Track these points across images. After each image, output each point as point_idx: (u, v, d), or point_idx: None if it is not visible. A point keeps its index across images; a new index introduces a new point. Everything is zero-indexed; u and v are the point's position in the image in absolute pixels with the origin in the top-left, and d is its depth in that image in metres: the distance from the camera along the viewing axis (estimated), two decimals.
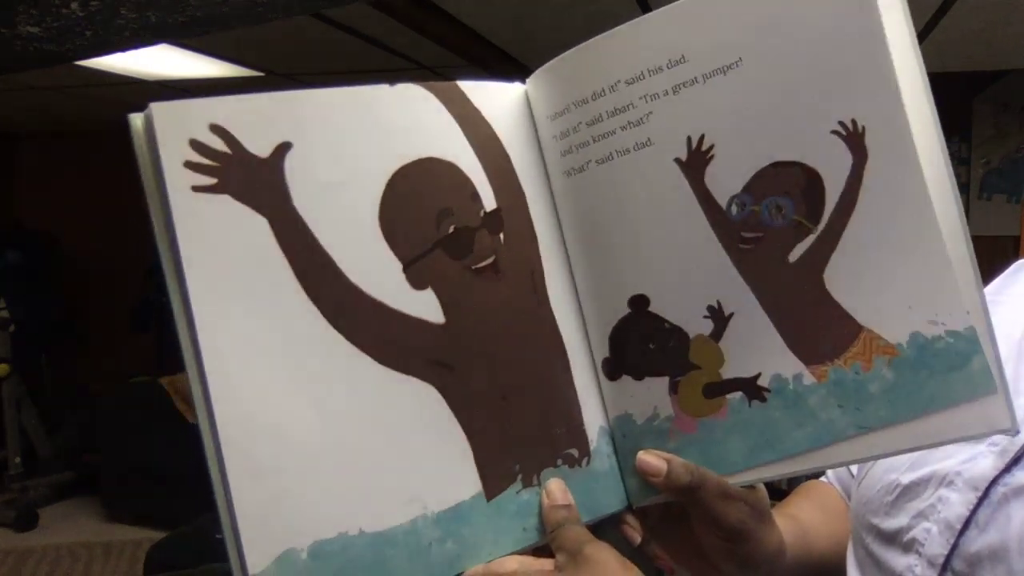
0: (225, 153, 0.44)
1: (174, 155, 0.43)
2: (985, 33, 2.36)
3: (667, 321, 0.52)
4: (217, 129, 0.44)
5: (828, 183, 0.48)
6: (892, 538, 0.56)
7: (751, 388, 0.51)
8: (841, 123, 0.47)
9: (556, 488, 0.51)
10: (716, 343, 0.52)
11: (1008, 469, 0.51)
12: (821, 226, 0.49)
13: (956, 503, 0.52)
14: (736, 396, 0.52)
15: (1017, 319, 0.58)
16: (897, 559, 0.55)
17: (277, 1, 0.65)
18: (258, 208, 0.45)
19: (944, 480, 0.54)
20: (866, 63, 0.46)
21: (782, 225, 0.49)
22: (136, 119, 0.46)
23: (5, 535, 3.82)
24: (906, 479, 0.57)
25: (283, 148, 0.46)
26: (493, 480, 0.50)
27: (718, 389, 0.52)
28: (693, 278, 0.51)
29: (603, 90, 0.51)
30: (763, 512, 0.56)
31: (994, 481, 0.51)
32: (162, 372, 4.52)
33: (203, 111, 0.44)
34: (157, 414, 4.10)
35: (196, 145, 0.44)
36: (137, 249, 5.18)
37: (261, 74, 3.31)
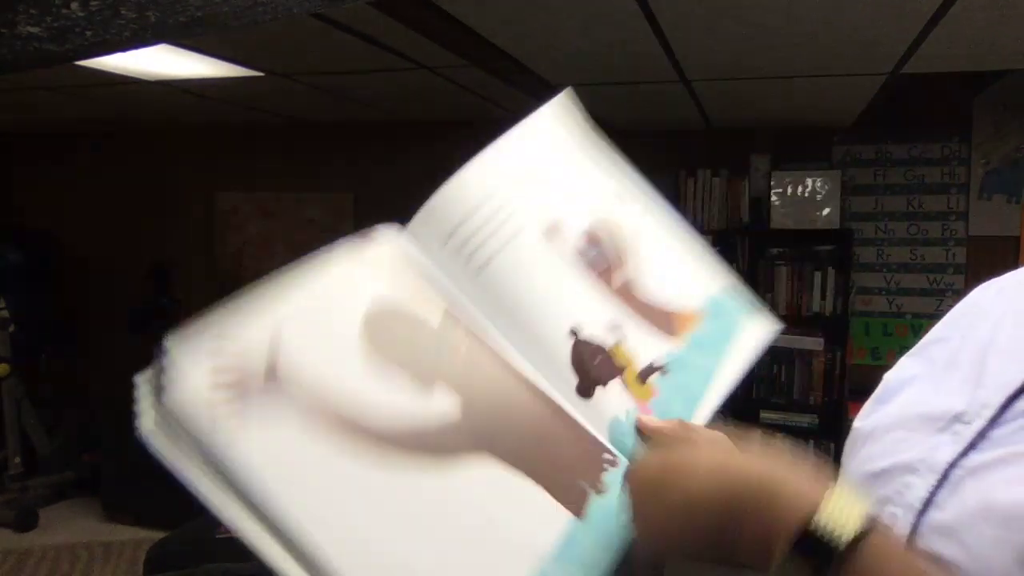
0: (241, 380, 0.52)
1: (200, 386, 0.51)
2: (985, 33, 2.37)
3: (591, 343, 0.70)
4: (226, 369, 0.52)
5: (626, 227, 0.75)
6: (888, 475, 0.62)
7: (657, 369, 0.72)
8: (618, 192, 0.76)
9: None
10: (623, 347, 0.71)
11: (965, 453, 0.57)
12: (630, 254, 0.75)
13: (918, 486, 0.58)
14: (656, 377, 0.72)
15: (982, 327, 0.66)
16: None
17: (277, 1, 0.65)
18: (285, 412, 0.53)
19: (909, 467, 0.60)
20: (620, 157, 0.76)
21: (614, 257, 0.74)
22: (147, 377, 0.54)
23: (5, 535, 3.82)
24: (876, 468, 0.63)
25: (275, 349, 0.54)
26: (572, 503, 0.60)
27: (643, 376, 0.72)
28: (591, 307, 0.71)
29: (475, 207, 0.68)
30: None
31: (952, 464, 0.57)
32: None
33: (208, 356, 0.52)
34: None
35: (214, 372, 0.51)
36: (137, 249, 5.20)
37: (261, 74, 3.31)
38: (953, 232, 3.87)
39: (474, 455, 0.58)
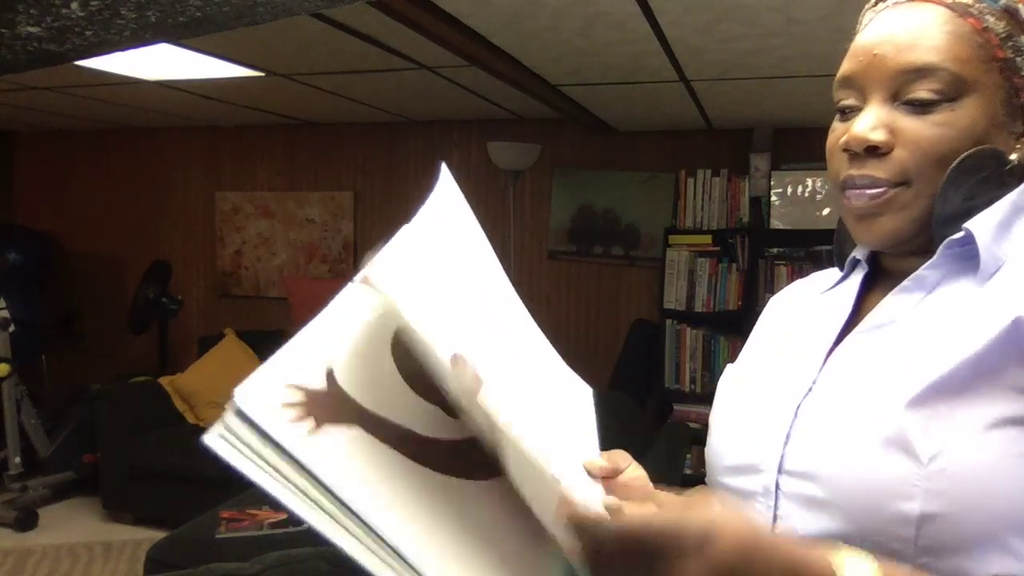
0: (306, 400, 0.55)
1: (279, 420, 0.53)
2: None
3: None
4: (292, 386, 0.55)
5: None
6: (742, 468, 0.72)
7: None
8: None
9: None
10: None
11: (811, 390, 0.70)
12: None
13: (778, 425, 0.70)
14: None
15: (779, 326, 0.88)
16: (749, 480, 0.71)
17: (277, 1, 0.65)
18: (350, 422, 0.57)
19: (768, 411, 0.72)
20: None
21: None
22: (221, 428, 0.53)
23: (5, 535, 3.82)
24: (733, 462, 0.74)
25: (331, 373, 0.58)
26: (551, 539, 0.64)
27: None
28: None
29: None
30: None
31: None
32: (162, 372, 4.52)
33: (275, 377, 0.55)
34: (157, 414, 4.11)
35: (289, 405, 0.54)
36: (137, 249, 5.19)
37: (261, 74, 3.31)
38: None
39: (494, 480, 0.61)
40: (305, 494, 0.53)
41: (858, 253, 0.80)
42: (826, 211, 3.90)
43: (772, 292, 4.06)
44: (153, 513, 3.90)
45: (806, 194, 3.92)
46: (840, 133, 0.73)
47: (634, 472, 0.76)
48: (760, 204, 4.02)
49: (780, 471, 0.68)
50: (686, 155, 4.26)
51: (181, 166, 5.16)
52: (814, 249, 3.92)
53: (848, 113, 0.74)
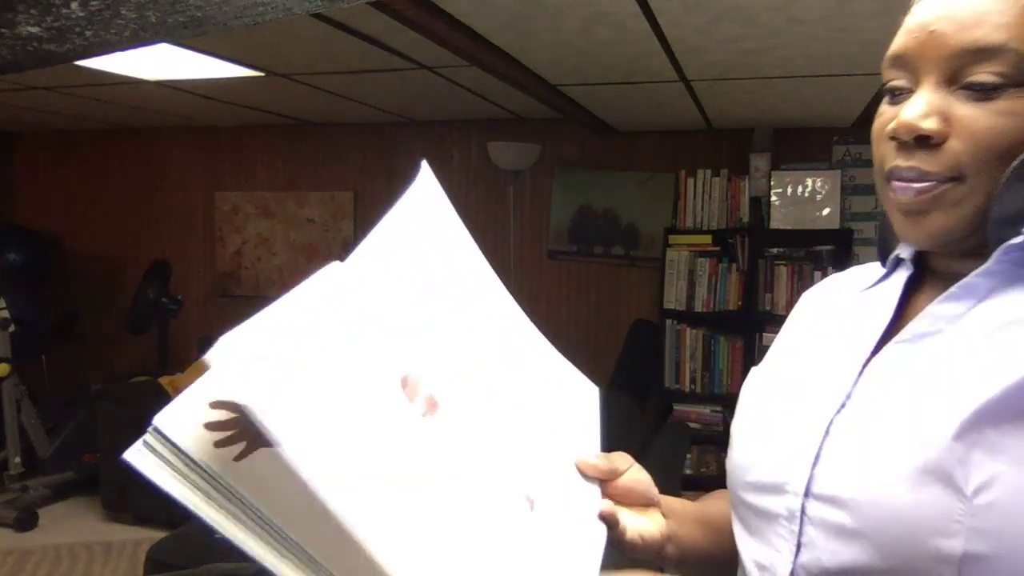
0: (234, 417, 0.51)
1: (202, 445, 0.50)
2: None
3: None
4: (217, 403, 0.51)
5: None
6: (765, 487, 0.66)
7: None
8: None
9: None
10: None
11: (844, 405, 0.63)
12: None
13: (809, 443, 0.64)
14: None
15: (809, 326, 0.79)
16: (772, 501, 0.65)
17: (277, 1, 0.65)
18: (270, 444, 0.52)
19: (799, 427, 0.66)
20: None
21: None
22: (142, 448, 0.52)
23: (5, 535, 3.82)
24: (771, 433, 0.68)
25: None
26: None
27: None
28: None
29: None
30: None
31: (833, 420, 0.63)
32: (162, 372, 4.52)
33: (195, 397, 0.52)
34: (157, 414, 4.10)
35: (212, 425, 0.51)
36: (137, 249, 5.19)
37: (261, 74, 3.31)
38: None
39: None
40: (235, 518, 0.51)
41: (903, 251, 0.71)
42: (826, 211, 3.90)
43: (772, 292, 4.08)
44: (153, 513, 3.90)
45: (806, 194, 3.92)
46: (888, 118, 0.64)
47: (636, 475, 0.74)
48: (760, 204, 4.02)
49: (807, 494, 0.62)
50: (686, 155, 4.26)
51: (181, 166, 5.16)
52: (814, 249, 3.93)
53: (897, 95, 0.65)
